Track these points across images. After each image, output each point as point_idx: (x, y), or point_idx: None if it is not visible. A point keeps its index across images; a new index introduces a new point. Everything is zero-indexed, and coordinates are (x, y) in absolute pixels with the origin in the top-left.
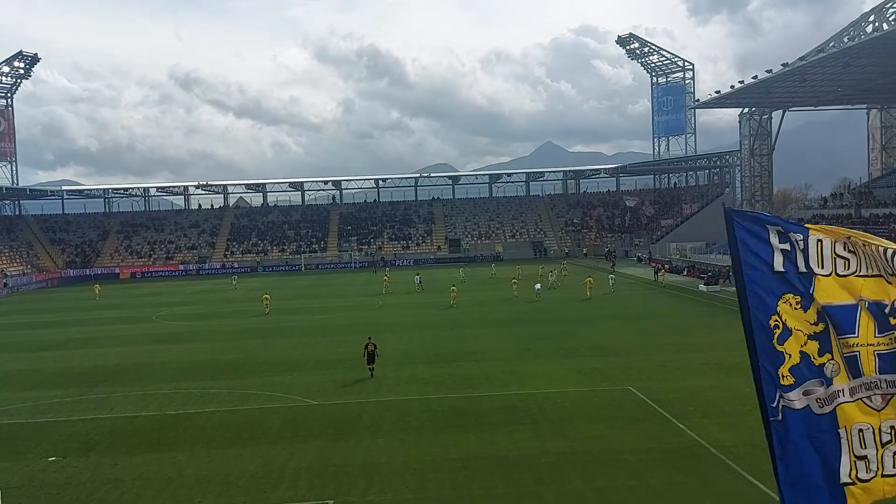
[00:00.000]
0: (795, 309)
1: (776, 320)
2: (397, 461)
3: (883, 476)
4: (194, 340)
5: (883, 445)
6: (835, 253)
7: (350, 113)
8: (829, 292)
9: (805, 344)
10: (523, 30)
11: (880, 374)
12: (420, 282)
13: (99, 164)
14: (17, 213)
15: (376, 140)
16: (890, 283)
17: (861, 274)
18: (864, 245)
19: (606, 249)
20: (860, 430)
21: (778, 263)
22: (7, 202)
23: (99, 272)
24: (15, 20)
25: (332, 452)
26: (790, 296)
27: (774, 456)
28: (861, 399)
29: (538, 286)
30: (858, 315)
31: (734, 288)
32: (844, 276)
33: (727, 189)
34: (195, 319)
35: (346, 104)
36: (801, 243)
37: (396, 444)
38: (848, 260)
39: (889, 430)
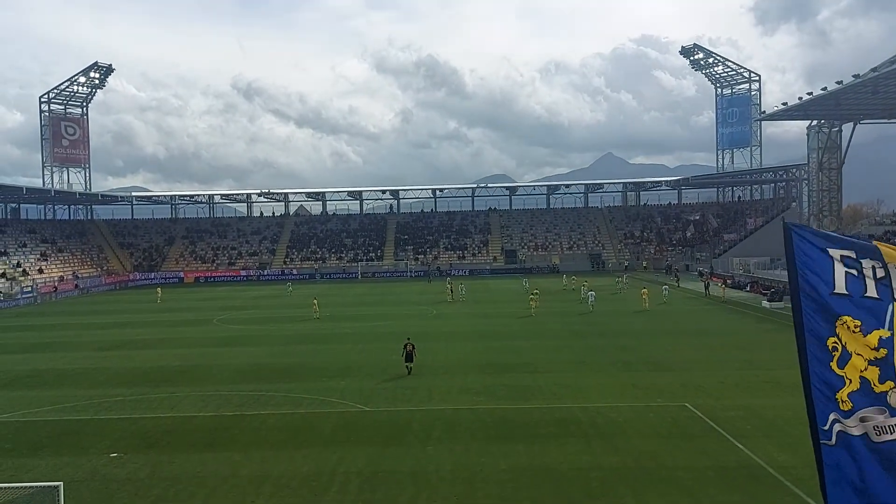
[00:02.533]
0: (854, 333)
1: (835, 343)
2: (446, 470)
3: None
4: (252, 344)
5: None
6: None
7: (408, 123)
8: None
9: (865, 369)
10: (582, 39)
11: None
12: (461, 290)
13: (166, 170)
14: (89, 217)
15: (433, 150)
16: None
17: None
18: None
19: (666, 263)
20: None
21: (840, 285)
22: (80, 207)
23: (164, 276)
24: (87, 32)
25: (382, 458)
26: (848, 319)
27: (824, 480)
28: None
29: (592, 297)
30: None
31: None
32: None
33: (793, 203)
34: (253, 324)
35: (404, 114)
36: (878, 270)
37: (445, 453)
38: None
39: None
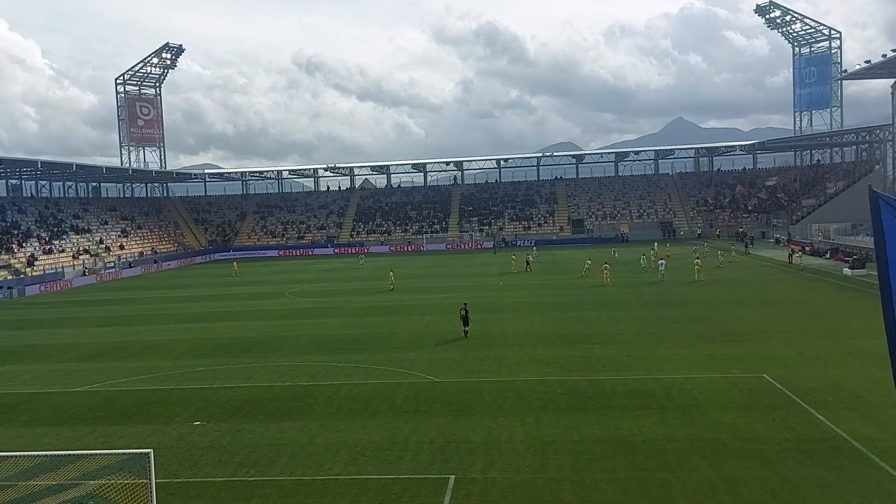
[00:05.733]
0: None
1: None
2: (518, 440)
3: None
4: (323, 316)
5: None
6: None
7: (469, 93)
8: None
9: None
10: (646, 1)
11: None
12: (526, 261)
13: (235, 147)
14: (165, 194)
15: (496, 119)
16: None
17: None
18: None
19: (740, 230)
20: None
21: None
22: (157, 184)
23: (236, 251)
24: (152, 12)
25: (454, 429)
26: None
27: None
28: None
29: (662, 264)
30: None
31: None
32: None
33: (877, 166)
34: (324, 296)
35: (464, 84)
36: None
37: (517, 424)
38: None
39: None
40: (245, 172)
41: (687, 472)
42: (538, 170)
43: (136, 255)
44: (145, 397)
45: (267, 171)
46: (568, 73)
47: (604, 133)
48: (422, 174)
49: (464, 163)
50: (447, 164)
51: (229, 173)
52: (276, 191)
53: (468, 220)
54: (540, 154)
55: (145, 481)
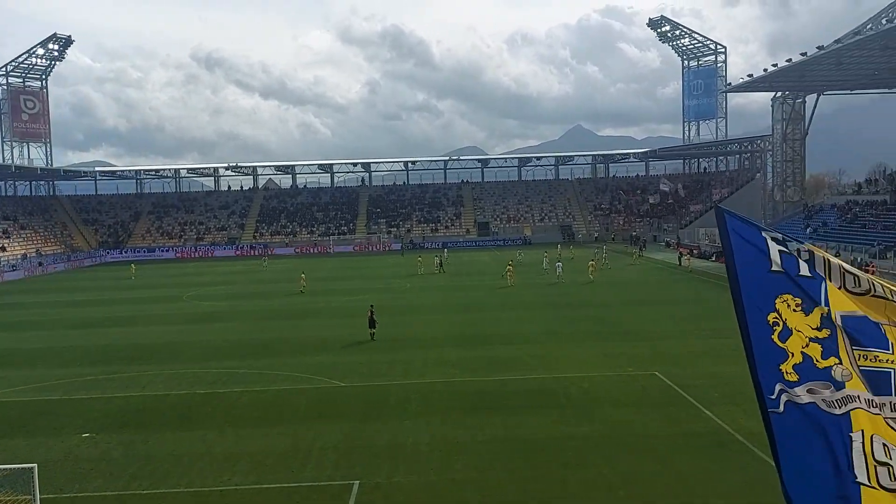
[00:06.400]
0: (795, 311)
1: (775, 318)
2: (423, 443)
3: None
4: (224, 321)
5: None
6: (843, 269)
7: (376, 94)
8: (847, 302)
9: (807, 345)
10: (547, 10)
11: None
12: (440, 263)
13: (129, 144)
14: (51, 193)
15: (404, 122)
16: None
17: (877, 294)
18: (869, 274)
19: (633, 234)
20: (884, 444)
21: (776, 262)
22: (42, 183)
23: (132, 252)
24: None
25: (358, 433)
26: (789, 297)
27: (775, 446)
28: (885, 419)
29: (559, 267)
30: (887, 332)
31: None
32: (859, 293)
33: (758, 174)
34: (225, 300)
35: (371, 85)
36: (803, 253)
37: (422, 427)
38: (858, 279)
39: None
40: (140, 171)
41: (585, 468)
42: (445, 173)
43: (18, 257)
44: (30, 408)
45: (163, 170)
46: (473, 79)
47: (507, 138)
48: (328, 175)
49: (371, 164)
50: (354, 165)
51: (122, 171)
52: (174, 190)
53: (376, 222)
54: (447, 157)
55: (28, 497)
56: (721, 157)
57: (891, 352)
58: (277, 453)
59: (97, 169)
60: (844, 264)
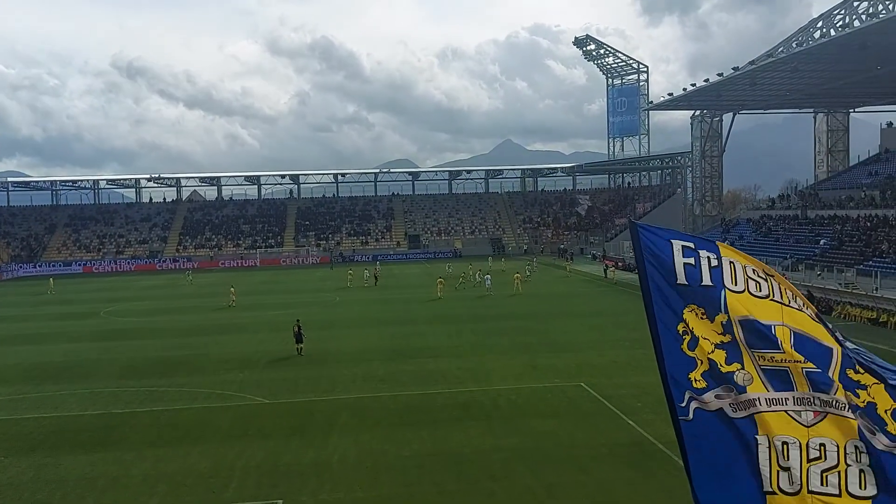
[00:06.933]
0: (701, 319)
1: (684, 327)
2: (350, 459)
3: (809, 492)
4: (143, 337)
5: (809, 461)
6: (747, 275)
7: (306, 105)
8: (743, 307)
9: (713, 352)
10: (477, 26)
11: (813, 391)
12: (372, 275)
13: (45, 154)
14: None
15: (334, 134)
16: (808, 317)
17: (776, 300)
18: (774, 277)
19: (560, 247)
20: (784, 443)
21: (681, 276)
22: None
23: (46, 266)
24: None
25: (283, 451)
26: (694, 306)
27: (686, 454)
28: (787, 412)
29: (488, 279)
30: (778, 333)
31: None
32: (759, 297)
33: (679, 189)
34: (145, 315)
35: (301, 96)
36: (712, 260)
37: (350, 443)
38: (760, 283)
39: (818, 448)
40: (56, 181)
41: (511, 479)
42: (376, 185)
43: None
44: None
45: (81, 181)
46: (404, 92)
47: (439, 151)
48: (256, 187)
49: (300, 176)
50: (283, 177)
51: (37, 182)
52: (92, 202)
53: (305, 235)
54: (377, 170)
55: None
56: (644, 173)
57: (783, 351)
58: (198, 473)
59: (10, 179)
60: (750, 267)
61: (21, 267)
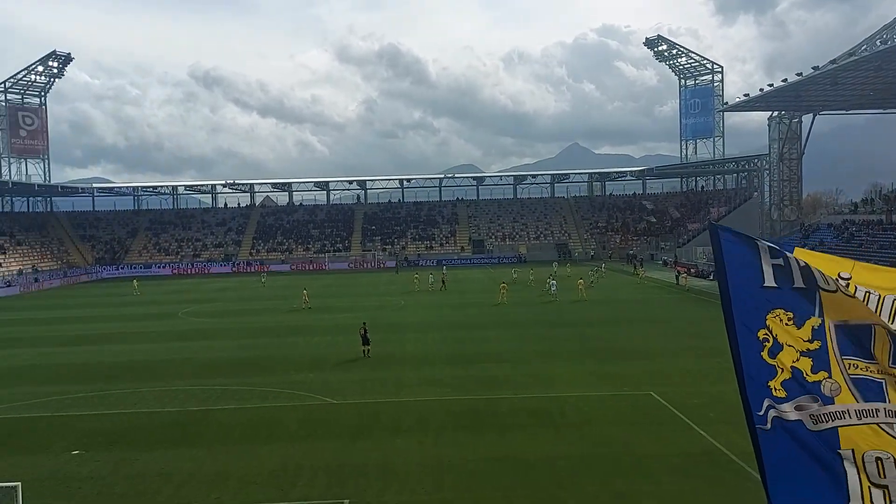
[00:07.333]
0: (787, 325)
1: (765, 334)
2: (414, 462)
3: None
4: (218, 337)
5: None
6: (839, 276)
7: (373, 112)
8: (839, 308)
9: (797, 360)
10: (544, 29)
11: None
12: (438, 281)
13: (127, 161)
14: (48, 209)
15: (400, 140)
16: None
17: (866, 303)
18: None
19: (629, 253)
20: (878, 458)
21: (769, 279)
22: (40, 199)
23: (128, 268)
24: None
25: (350, 452)
26: (780, 311)
27: (763, 465)
28: (879, 425)
29: (553, 285)
30: (875, 338)
31: None
32: (852, 296)
33: (755, 193)
34: (220, 316)
35: (368, 103)
36: (800, 261)
37: (414, 445)
38: (848, 284)
39: None
40: (138, 187)
41: (579, 488)
42: (440, 190)
43: (14, 273)
44: (19, 425)
45: (161, 186)
46: (469, 97)
47: (503, 156)
48: (325, 192)
49: (367, 182)
50: (350, 183)
51: (120, 188)
52: (171, 207)
53: (371, 240)
54: (442, 175)
55: None
56: (718, 176)
57: (876, 361)
58: (267, 471)
59: (95, 185)
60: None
61: (105, 269)
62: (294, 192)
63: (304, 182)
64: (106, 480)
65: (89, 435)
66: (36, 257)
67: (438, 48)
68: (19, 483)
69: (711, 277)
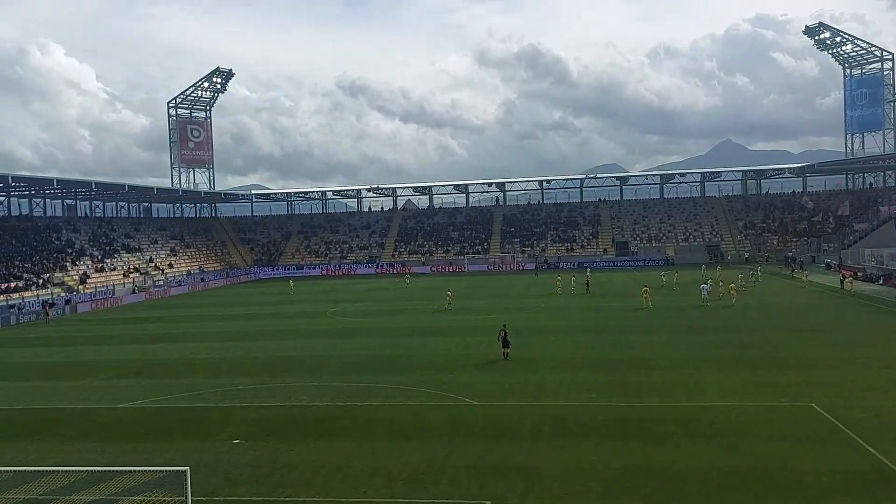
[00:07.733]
0: None
1: None
2: (557, 467)
3: None
4: (364, 336)
5: None
6: None
7: (511, 114)
8: None
9: None
10: (691, 21)
11: None
12: (580, 283)
13: (282, 168)
14: (213, 214)
15: (539, 141)
16: None
17: None
18: None
19: (787, 255)
20: None
21: None
22: (205, 205)
23: (282, 269)
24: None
25: (491, 453)
26: None
27: None
28: None
29: (704, 289)
30: None
31: None
32: None
33: None
34: (366, 316)
35: (507, 105)
36: None
37: (557, 450)
38: None
39: None
40: (290, 193)
41: (730, 502)
42: (581, 191)
43: (184, 273)
44: (186, 415)
45: (311, 192)
46: (612, 95)
47: (649, 155)
48: (464, 195)
49: (506, 184)
50: (489, 185)
51: (275, 194)
52: (321, 211)
53: (510, 242)
54: (583, 176)
55: (181, 499)
56: (889, 172)
57: None
58: (411, 468)
59: (253, 192)
60: None
61: (262, 269)
62: (434, 196)
63: (443, 185)
64: (264, 469)
65: (248, 425)
66: (202, 259)
67: (579, 46)
68: (188, 468)
69: (881, 282)
